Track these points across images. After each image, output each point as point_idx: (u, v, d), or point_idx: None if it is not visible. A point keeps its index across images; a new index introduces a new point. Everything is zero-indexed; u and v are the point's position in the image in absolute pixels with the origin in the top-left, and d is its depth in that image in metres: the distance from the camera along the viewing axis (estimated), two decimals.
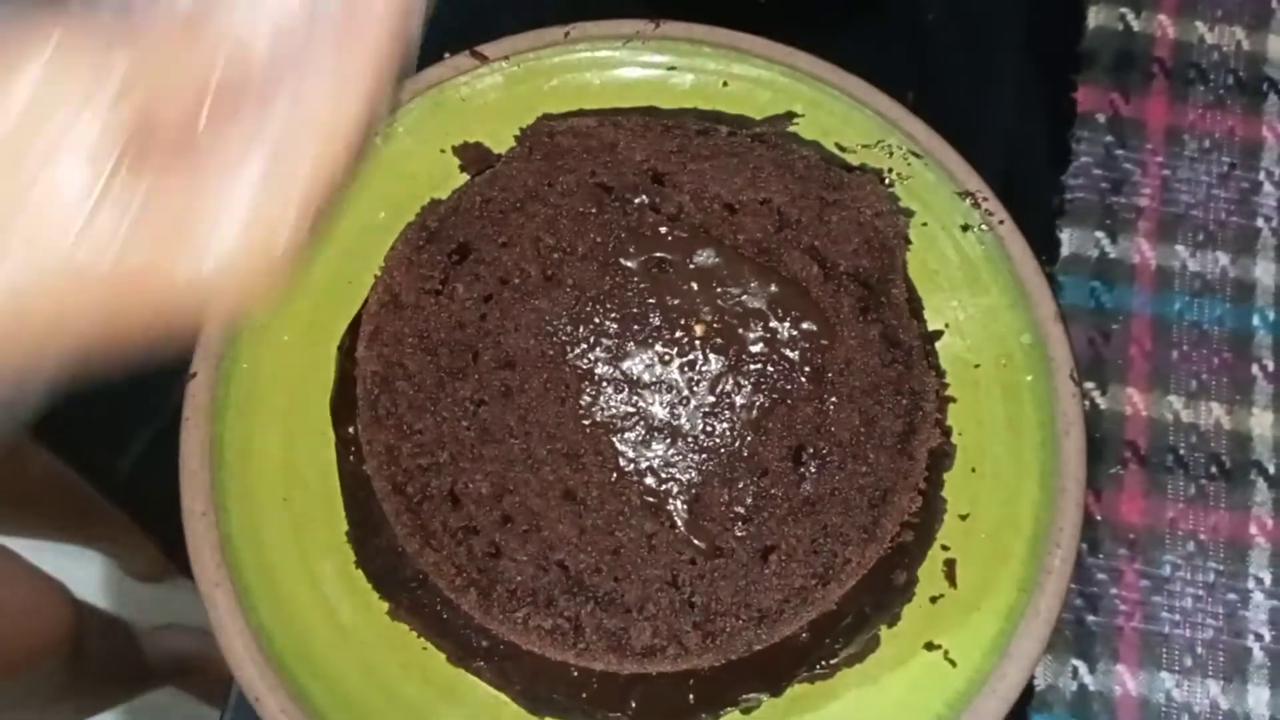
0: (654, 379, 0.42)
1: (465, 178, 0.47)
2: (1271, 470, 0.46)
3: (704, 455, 0.41)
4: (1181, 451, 0.46)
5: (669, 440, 0.41)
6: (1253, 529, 0.45)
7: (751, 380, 0.42)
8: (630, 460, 0.41)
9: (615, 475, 0.41)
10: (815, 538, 0.41)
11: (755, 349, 0.42)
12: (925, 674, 0.39)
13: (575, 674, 0.41)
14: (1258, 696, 0.43)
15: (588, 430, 0.41)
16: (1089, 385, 0.47)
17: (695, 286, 0.43)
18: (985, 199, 0.45)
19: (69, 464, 0.88)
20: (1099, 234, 0.49)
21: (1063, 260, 0.49)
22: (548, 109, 0.47)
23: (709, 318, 0.43)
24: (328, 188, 0.22)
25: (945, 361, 0.44)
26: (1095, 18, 0.53)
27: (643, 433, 0.41)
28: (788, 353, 0.42)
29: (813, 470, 0.41)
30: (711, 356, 0.42)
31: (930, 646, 0.40)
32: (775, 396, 0.42)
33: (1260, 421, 0.47)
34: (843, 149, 0.47)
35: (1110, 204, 0.50)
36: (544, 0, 0.51)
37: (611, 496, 0.41)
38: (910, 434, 0.43)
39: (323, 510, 0.41)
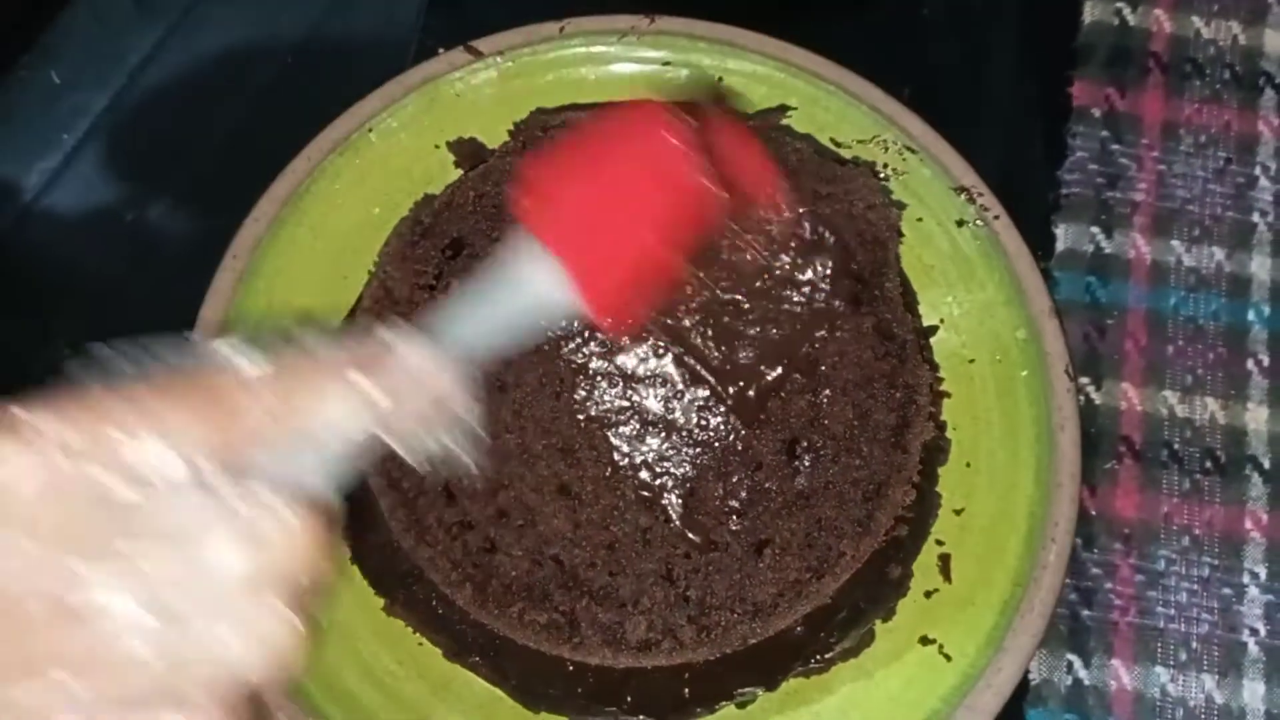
0: (648, 373, 0.41)
1: (459, 173, 0.47)
2: (1266, 465, 0.46)
3: (698, 449, 0.41)
4: (1176, 446, 0.46)
5: (663, 434, 0.41)
6: (1248, 524, 0.45)
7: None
8: (625, 455, 0.41)
9: (610, 470, 0.41)
10: (809, 531, 0.41)
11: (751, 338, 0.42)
12: (920, 668, 0.40)
13: (571, 669, 0.41)
14: (1253, 691, 0.43)
15: (582, 425, 0.41)
16: (1084, 380, 0.47)
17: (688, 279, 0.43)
18: (980, 194, 0.45)
19: None
20: (1094, 229, 0.49)
21: (1058, 255, 0.49)
22: (542, 104, 0.47)
23: (702, 311, 0.43)
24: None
25: (940, 356, 0.44)
26: (1091, 12, 0.53)
27: (637, 427, 0.41)
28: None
29: (807, 464, 0.41)
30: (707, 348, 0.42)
31: (925, 641, 0.40)
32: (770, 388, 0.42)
33: (1255, 416, 0.46)
34: (837, 144, 0.47)
35: (1106, 199, 0.50)
36: None
37: (606, 491, 0.41)
38: (904, 427, 0.43)
39: None
